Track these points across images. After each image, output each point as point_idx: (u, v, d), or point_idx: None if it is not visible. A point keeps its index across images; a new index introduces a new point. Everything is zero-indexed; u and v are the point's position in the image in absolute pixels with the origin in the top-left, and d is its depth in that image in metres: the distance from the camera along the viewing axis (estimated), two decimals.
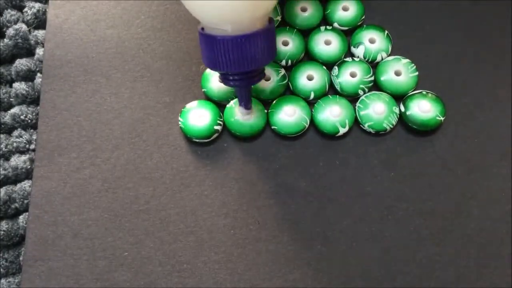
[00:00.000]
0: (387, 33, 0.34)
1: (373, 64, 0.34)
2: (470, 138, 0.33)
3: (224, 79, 0.29)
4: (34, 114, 0.34)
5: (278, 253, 0.30)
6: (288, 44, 0.33)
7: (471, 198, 0.31)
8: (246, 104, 0.31)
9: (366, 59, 0.33)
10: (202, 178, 0.32)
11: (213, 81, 0.32)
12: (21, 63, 0.34)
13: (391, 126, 0.32)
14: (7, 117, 0.34)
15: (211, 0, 0.26)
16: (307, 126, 0.32)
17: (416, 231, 0.31)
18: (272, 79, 0.32)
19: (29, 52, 0.35)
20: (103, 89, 0.33)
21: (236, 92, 0.31)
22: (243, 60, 0.27)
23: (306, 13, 0.34)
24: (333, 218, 0.31)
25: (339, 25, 0.34)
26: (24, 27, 0.35)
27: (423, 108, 0.32)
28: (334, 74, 0.33)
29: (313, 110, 0.32)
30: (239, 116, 0.32)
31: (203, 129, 0.31)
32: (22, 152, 0.33)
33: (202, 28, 0.28)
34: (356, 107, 0.32)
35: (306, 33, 0.34)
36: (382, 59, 0.33)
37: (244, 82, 0.29)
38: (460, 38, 0.34)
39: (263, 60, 0.28)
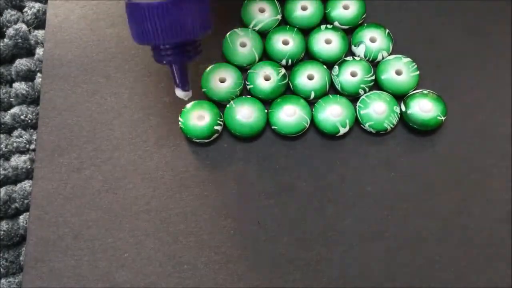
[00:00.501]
0: (388, 32, 0.34)
1: (373, 63, 0.34)
2: (470, 138, 0.32)
3: (157, 54, 0.28)
4: (34, 114, 0.34)
5: (278, 254, 0.30)
6: (288, 43, 0.33)
7: (471, 198, 0.31)
8: (183, 85, 0.28)
9: (367, 58, 0.33)
10: (202, 179, 0.32)
11: (213, 81, 0.32)
12: (21, 63, 0.34)
13: (392, 126, 0.32)
14: (7, 117, 0.34)
15: None
16: (307, 126, 0.32)
17: (416, 231, 0.31)
18: (272, 79, 0.32)
19: (29, 52, 0.35)
20: (103, 89, 0.33)
21: (171, 70, 0.28)
22: (173, 28, 0.26)
23: (307, 12, 0.34)
24: (333, 218, 0.31)
25: (340, 23, 0.34)
26: (24, 27, 0.35)
27: (424, 108, 0.32)
28: (334, 74, 0.33)
29: (313, 109, 0.32)
30: (179, 95, 0.29)
31: (203, 129, 0.31)
32: (22, 152, 0.33)
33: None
34: (357, 106, 0.32)
35: (306, 32, 0.34)
36: (383, 58, 0.33)
37: (177, 57, 0.27)
38: (461, 37, 0.34)
39: (195, 30, 0.26)
